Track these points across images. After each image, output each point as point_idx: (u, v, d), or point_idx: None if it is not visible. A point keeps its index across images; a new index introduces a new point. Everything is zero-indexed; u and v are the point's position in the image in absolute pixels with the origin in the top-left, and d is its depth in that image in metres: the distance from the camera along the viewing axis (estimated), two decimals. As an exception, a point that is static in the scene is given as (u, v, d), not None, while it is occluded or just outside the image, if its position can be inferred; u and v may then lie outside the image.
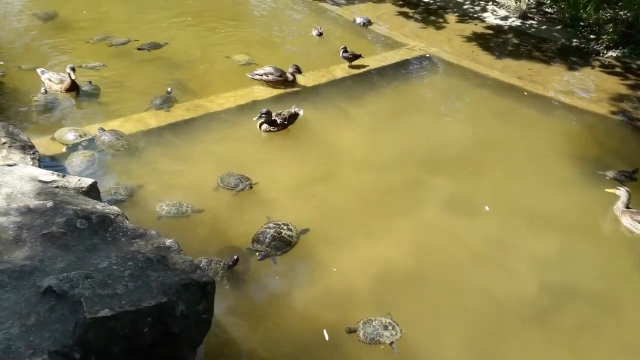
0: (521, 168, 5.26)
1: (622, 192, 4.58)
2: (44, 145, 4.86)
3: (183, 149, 5.17)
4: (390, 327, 3.44)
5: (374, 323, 3.45)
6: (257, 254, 3.89)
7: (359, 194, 4.77)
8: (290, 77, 6.29)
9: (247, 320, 3.53)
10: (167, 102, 5.88)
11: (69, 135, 5.01)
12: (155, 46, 7.26)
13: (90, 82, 6.18)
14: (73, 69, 5.83)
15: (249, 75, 6.33)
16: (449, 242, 4.31)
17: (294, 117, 5.61)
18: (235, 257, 3.74)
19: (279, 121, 5.46)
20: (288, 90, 6.38)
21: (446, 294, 3.85)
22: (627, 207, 4.55)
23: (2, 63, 6.49)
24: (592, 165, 5.30)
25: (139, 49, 7.11)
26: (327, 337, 3.40)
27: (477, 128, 5.92)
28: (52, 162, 4.60)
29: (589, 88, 6.80)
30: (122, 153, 4.93)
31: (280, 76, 6.24)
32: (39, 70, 6.06)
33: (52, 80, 5.90)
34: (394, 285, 3.88)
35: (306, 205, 4.59)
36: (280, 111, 5.59)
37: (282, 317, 3.56)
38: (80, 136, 4.99)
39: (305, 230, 4.18)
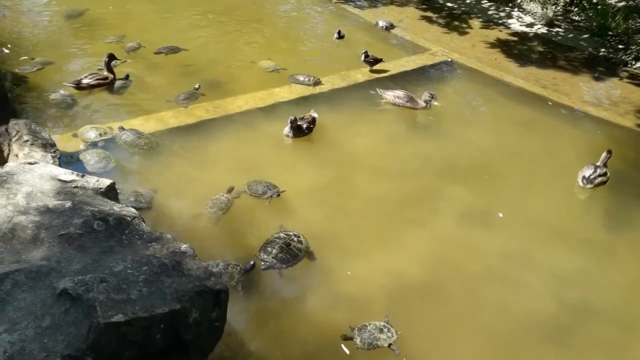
0: (543, 180, 5.14)
1: None
2: (63, 142, 4.92)
3: (201, 151, 5.18)
4: (385, 330, 3.43)
5: (369, 328, 3.43)
6: (262, 263, 3.86)
7: (375, 202, 4.72)
8: (422, 104, 6.10)
9: (258, 325, 3.52)
10: (191, 97, 5.92)
11: (90, 133, 5.06)
12: (174, 50, 7.07)
13: (127, 76, 6.28)
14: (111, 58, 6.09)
15: (379, 91, 6.29)
16: (466, 255, 4.23)
17: (314, 120, 5.59)
18: (252, 262, 3.74)
19: (305, 126, 5.45)
20: (307, 93, 6.36)
21: (461, 308, 3.78)
22: None
23: (38, 59, 6.57)
24: (616, 180, 5.17)
25: (156, 53, 6.94)
26: (347, 352, 3.37)
27: (499, 137, 5.82)
28: (68, 160, 4.64)
29: (615, 100, 6.63)
30: (141, 152, 4.97)
31: (408, 101, 6.11)
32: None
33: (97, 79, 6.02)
34: (408, 297, 3.83)
35: (320, 212, 4.56)
36: (302, 116, 5.56)
37: (293, 324, 3.54)
38: (101, 135, 5.03)
39: (315, 254, 4.06)
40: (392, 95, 6.19)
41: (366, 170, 5.14)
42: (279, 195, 4.54)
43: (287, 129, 5.39)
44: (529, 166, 5.32)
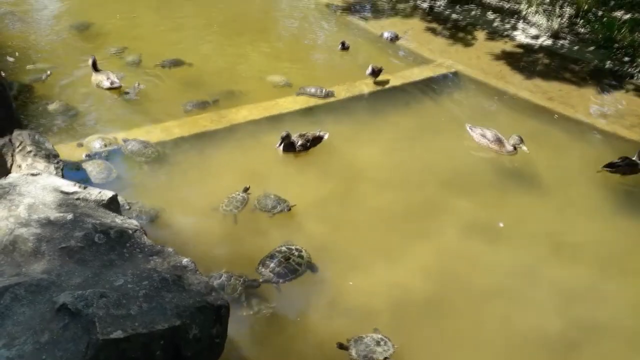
0: (549, 194, 5.10)
1: None
2: (67, 152, 4.92)
3: (205, 161, 5.18)
4: (382, 343, 3.38)
5: (365, 340, 3.39)
6: (260, 277, 3.83)
7: (379, 214, 4.69)
8: (509, 148, 5.51)
9: (259, 338, 3.48)
10: (200, 106, 5.98)
11: (96, 143, 5.05)
12: (177, 63, 6.93)
13: (138, 84, 6.27)
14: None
15: (467, 126, 5.84)
16: (471, 269, 4.19)
17: (317, 139, 5.46)
18: (259, 280, 3.72)
19: (301, 142, 5.33)
20: (312, 104, 6.35)
21: (466, 324, 3.73)
22: None
23: (39, 65, 6.60)
24: (623, 195, 5.12)
25: (163, 67, 6.83)
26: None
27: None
28: (71, 170, 4.64)
29: (622, 112, 6.59)
30: (147, 162, 4.96)
31: (493, 143, 5.57)
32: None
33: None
34: (410, 310, 3.79)
35: (323, 224, 4.53)
36: (304, 132, 5.46)
37: (294, 338, 3.50)
38: (106, 145, 5.03)
39: (318, 267, 4.02)
40: (479, 133, 5.68)
41: (371, 181, 5.12)
42: (289, 209, 4.50)
43: (278, 145, 5.29)
44: (534, 180, 5.27)
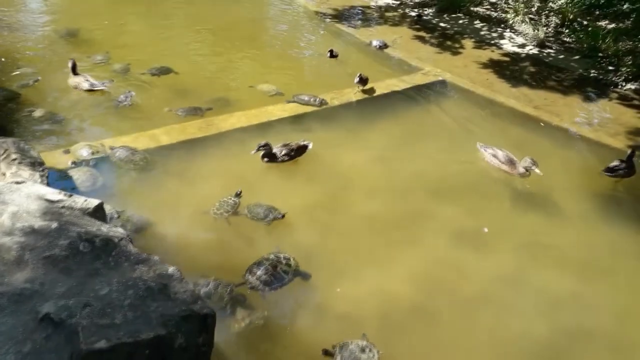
0: (535, 201, 5.15)
1: None
2: (52, 159, 4.87)
3: (193, 169, 5.16)
4: (367, 350, 3.37)
5: (350, 347, 3.38)
6: (247, 284, 3.81)
7: (367, 222, 4.70)
8: (520, 170, 5.35)
9: (246, 347, 3.46)
10: (191, 112, 5.99)
11: (83, 150, 5.01)
12: (165, 71, 6.89)
13: (129, 92, 6.23)
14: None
15: (479, 145, 5.74)
16: (458, 276, 4.21)
17: (302, 149, 5.41)
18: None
19: (285, 152, 5.26)
20: (301, 111, 6.37)
21: (453, 332, 3.74)
22: None
23: (35, 74, 6.59)
24: (609, 201, 5.19)
25: (152, 75, 6.80)
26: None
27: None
28: (57, 178, 4.59)
29: (606, 121, 6.69)
30: (135, 169, 4.93)
31: (505, 164, 5.43)
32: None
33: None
34: (398, 318, 3.79)
35: (311, 231, 4.53)
36: (288, 142, 5.40)
37: (281, 346, 3.48)
38: (94, 153, 4.99)
39: (306, 274, 4.00)
40: (490, 153, 5.56)
41: (359, 189, 5.13)
42: (283, 216, 4.48)
43: (254, 152, 5.20)
44: (520, 187, 5.32)
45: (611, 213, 5.04)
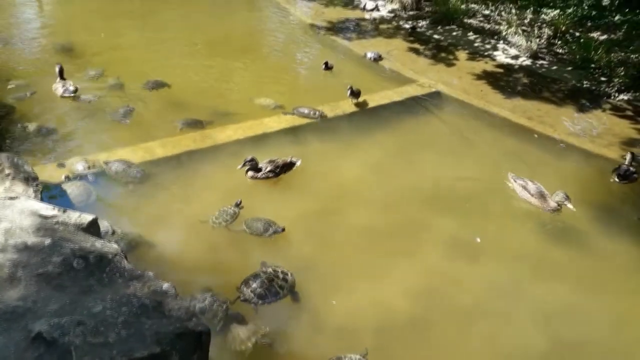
0: (528, 211, 5.15)
1: None
2: (46, 173, 4.86)
3: (188, 182, 5.15)
4: None
5: None
6: (241, 295, 3.80)
7: (362, 233, 4.70)
8: (552, 204, 5.04)
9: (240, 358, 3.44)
10: (193, 124, 6.00)
11: (79, 165, 4.98)
12: (161, 85, 6.87)
13: (128, 106, 6.27)
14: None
15: (510, 175, 5.43)
16: (453, 288, 4.20)
17: (288, 166, 5.36)
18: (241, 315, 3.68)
19: (269, 168, 5.20)
20: (297, 123, 6.38)
21: (449, 345, 3.73)
22: None
23: (30, 87, 6.60)
24: (602, 212, 5.21)
25: (150, 89, 6.78)
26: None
27: (485, 168, 5.85)
28: (51, 193, 4.57)
29: (599, 131, 6.73)
30: (132, 182, 4.92)
31: (535, 197, 5.11)
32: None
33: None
34: (394, 330, 3.78)
35: (307, 243, 4.52)
36: (275, 158, 5.33)
37: (276, 356, 3.46)
38: (90, 167, 4.96)
39: (297, 295, 3.94)
40: (521, 185, 5.27)
41: (354, 201, 5.14)
42: (283, 230, 4.45)
43: (240, 167, 5.18)
44: (515, 198, 5.33)
45: (607, 224, 5.04)
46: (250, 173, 5.22)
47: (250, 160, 5.15)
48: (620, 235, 4.86)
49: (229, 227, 4.50)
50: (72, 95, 6.41)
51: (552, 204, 5.06)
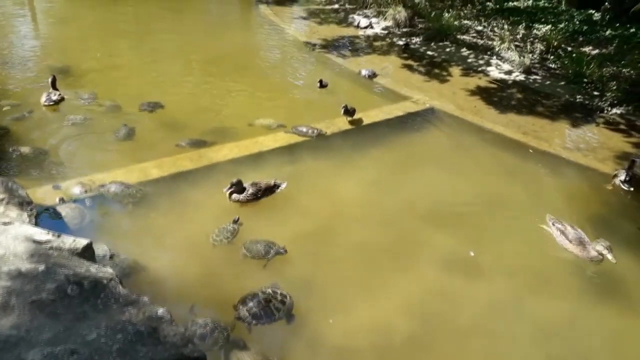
0: (526, 227, 5.15)
1: None
2: (41, 195, 4.83)
3: (184, 202, 5.13)
4: None
5: None
6: (235, 313, 3.78)
7: (359, 251, 4.68)
8: (593, 254, 4.66)
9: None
10: (196, 145, 6.06)
11: (75, 189, 4.95)
12: (156, 106, 6.86)
13: (126, 125, 6.29)
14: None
15: (548, 218, 5.09)
16: (450, 306, 4.17)
17: (270, 189, 5.29)
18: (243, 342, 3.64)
19: (251, 191, 5.15)
20: (292, 142, 6.39)
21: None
22: None
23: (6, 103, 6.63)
24: (599, 226, 5.21)
25: (149, 111, 6.75)
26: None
27: (481, 184, 5.86)
28: (45, 216, 4.54)
29: (594, 146, 6.77)
30: (130, 203, 4.90)
31: (574, 243, 4.72)
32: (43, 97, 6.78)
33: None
34: (393, 352, 3.73)
35: (303, 261, 4.49)
36: (257, 181, 5.28)
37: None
38: (87, 191, 4.94)
39: (293, 318, 3.87)
40: (559, 229, 4.92)
41: (350, 219, 5.12)
42: (285, 251, 4.43)
43: (226, 189, 5.12)
44: (512, 214, 5.34)
45: (606, 234, 5.04)
46: (234, 196, 5.16)
47: (236, 183, 5.13)
48: (621, 248, 4.85)
49: (232, 242, 4.53)
50: (52, 103, 6.69)
51: (593, 252, 4.69)
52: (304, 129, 6.51)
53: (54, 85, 6.82)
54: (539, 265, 4.68)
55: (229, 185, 5.11)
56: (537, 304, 4.24)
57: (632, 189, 5.69)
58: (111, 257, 3.93)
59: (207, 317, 3.65)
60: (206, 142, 6.13)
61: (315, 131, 6.49)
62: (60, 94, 6.83)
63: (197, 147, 6.04)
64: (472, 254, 4.69)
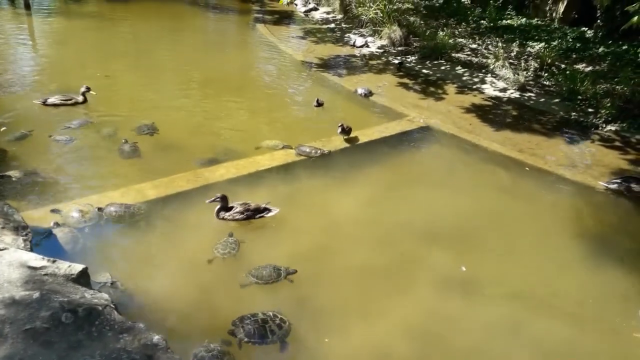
0: (523, 246, 5.15)
1: None
2: (38, 218, 4.80)
3: (181, 222, 5.11)
4: None
5: None
6: (231, 326, 3.78)
7: (356, 272, 4.65)
8: None
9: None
10: (209, 163, 6.19)
11: (74, 213, 4.91)
12: (154, 129, 6.84)
13: (126, 141, 6.38)
14: (88, 89, 7.48)
15: None
16: (448, 328, 4.13)
17: (259, 211, 5.23)
18: None
19: (238, 209, 5.12)
20: (289, 160, 6.41)
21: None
22: None
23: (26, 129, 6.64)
24: (596, 243, 5.21)
25: (150, 134, 6.72)
26: None
27: (478, 202, 5.87)
28: (41, 240, 4.51)
29: (589, 163, 6.80)
30: (128, 225, 4.88)
31: None
32: (36, 101, 7.37)
33: (62, 99, 7.41)
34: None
35: (298, 282, 4.45)
36: (247, 202, 5.25)
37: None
38: (84, 215, 4.89)
39: (286, 345, 3.80)
40: None
41: (347, 238, 5.10)
42: (295, 271, 4.43)
43: (209, 201, 5.11)
44: (510, 232, 5.33)
45: (603, 255, 5.04)
46: (221, 214, 5.15)
47: (221, 198, 5.12)
48: (614, 265, 4.84)
49: (237, 255, 4.56)
50: (42, 103, 7.29)
51: None
52: (307, 149, 6.53)
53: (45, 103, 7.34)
54: (538, 285, 4.66)
55: (213, 198, 5.12)
56: (536, 325, 4.20)
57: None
58: (112, 284, 3.90)
59: (211, 344, 3.61)
60: (217, 160, 6.22)
61: (319, 151, 6.52)
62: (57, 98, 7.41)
63: (213, 164, 6.15)
64: (463, 268, 4.68)
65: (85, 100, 7.49)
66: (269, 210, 5.28)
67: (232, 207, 5.17)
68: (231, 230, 4.85)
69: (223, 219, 5.16)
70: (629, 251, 5.16)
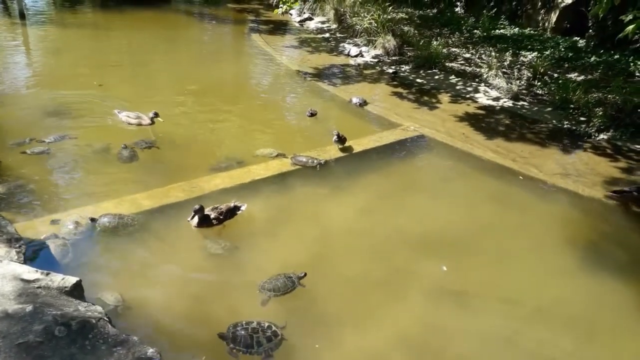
0: (517, 255, 5.17)
1: None
2: (31, 229, 4.78)
3: (176, 233, 5.10)
4: None
5: None
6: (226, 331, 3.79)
7: (349, 282, 4.65)
8: None
9: None
10: (224, 169, 6.31)
11: (69, 224, 4.88)
12: (151, 144, 6.78)
13: (125, 146, 6.44)
14: (156, 115, 7.32)
15: None
16: (443, 339, 4.13)
17: (232, 211, 5.30)
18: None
19: (213, 215, 5.16)
20: (284, 170, 6.42)
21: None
22: None
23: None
24: (590, 253, 5.23)
25: (150, 148, 6.66)
26: None
27: (472, 212, 5.89)
28: (34, 251, 4.48)
29: (583, 172, 6.85)
30: (122, 235, 4.86)
31: None
32: (115, 111, 7.46)
33: (130, 117, 7.33)
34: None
35: (292, 292, 4.45)
36: (217, 205, 5.30)
37: None
38: (77, 226, 4.87)
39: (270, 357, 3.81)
40: None
41: (342, 248, 5.11)
42: (305, 274, 4.51)
43: (190, 219, 5.12)
44: (503, 242, 5.35)
45: (597, 264, 5.07)
46: (194, 221, 5.12)
47: (199, 210, 5.10)
48: (612, 275, 4.86)
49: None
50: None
51: None
52: (304, 159, 6.55)
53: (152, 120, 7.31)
54: (532, 294, 4.67)
55: (192, 214, 5.11)
56: (530, 335, 4.21)
57: None
58: (116, 307, 3.87)
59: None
60: (234, 165, 6.40)
61: (315, 161, 6.53)
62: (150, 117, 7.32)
63: (227, 169, 6.30)
64: (444, 268, 4.72)
65: (152, 123, 7.30)
66: (239, 207, 5.37)
67: (207, 216, 5.18)
68: (224, 242, 4.84)
69: (200, 226, 5.13)
70: (623, 260, 5.19)
